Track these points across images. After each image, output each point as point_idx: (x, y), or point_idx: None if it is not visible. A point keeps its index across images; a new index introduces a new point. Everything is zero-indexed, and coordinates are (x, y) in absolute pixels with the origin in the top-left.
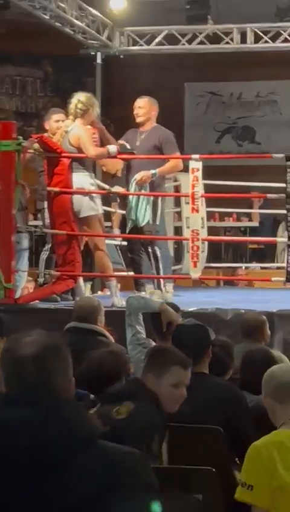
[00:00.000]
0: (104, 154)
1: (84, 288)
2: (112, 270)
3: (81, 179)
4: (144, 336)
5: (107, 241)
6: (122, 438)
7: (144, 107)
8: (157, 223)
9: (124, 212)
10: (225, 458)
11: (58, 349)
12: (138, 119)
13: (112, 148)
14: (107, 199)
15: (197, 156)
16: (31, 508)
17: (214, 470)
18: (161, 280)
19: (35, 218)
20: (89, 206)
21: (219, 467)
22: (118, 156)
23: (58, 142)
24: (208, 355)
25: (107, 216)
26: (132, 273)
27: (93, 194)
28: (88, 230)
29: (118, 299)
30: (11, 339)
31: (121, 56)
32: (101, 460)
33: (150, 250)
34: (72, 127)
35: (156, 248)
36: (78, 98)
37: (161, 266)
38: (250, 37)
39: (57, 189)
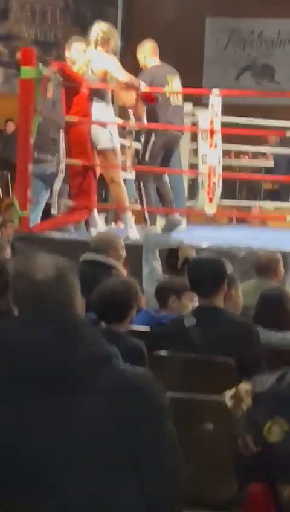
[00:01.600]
0: (135, 83)
1: (99, 219)
2: (128, 203)
3: (99, 110)
4: (160, 273)
5: (125, 176)
6: None
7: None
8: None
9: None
10: None
11: (71, 270)
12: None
13: (144, 84)
14: (122, 133)
15: (217, 91)
16: (51, 424)
17: (224, 401)
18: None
19: None
20: (107, 138)
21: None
22: (144, 92)
23: (81, 70)
24: (224, 288)
25: (122, 150)
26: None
27: (111, 126)
28: (104, 162)
29: (133, 231)
30: (20, 262)
31: None
32: (119, 380)
33: (141, 185)
34: (96, 55)
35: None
36: (100, 27)
37: (149, 201)
38: None
39: (76, 118)
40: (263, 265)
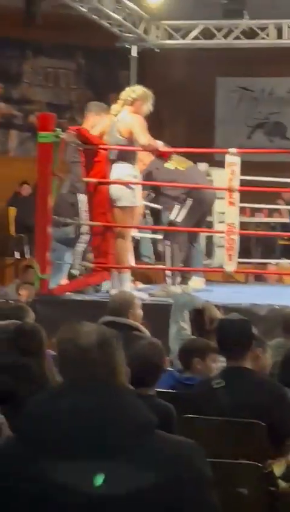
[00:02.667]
0: (155, 146)
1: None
2: (127, 263)
3: (123, 170)
4: (189, 333)
5: (142, 234)
6: None
7: None
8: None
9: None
10: (265, 452)
11: (115, 337)
12: None
13: (161, 143)
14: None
15: (234, 150)
16: (97, 494)
17: (259, 464)
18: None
19: None
20: (128, 197)
21: (259, 461)
22: (161, 150)
23: (105, 128)
24: (251, 349)
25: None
26: (162, 266)
27: (134, 186)
28: (120, 217)
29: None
30: (67, 330)
31: (157, 50)
32: (161, 450)
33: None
34: (122, 115)
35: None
36: (134, 89)
37: (177, 261)
38: (285, 32)
39: (95, 180)
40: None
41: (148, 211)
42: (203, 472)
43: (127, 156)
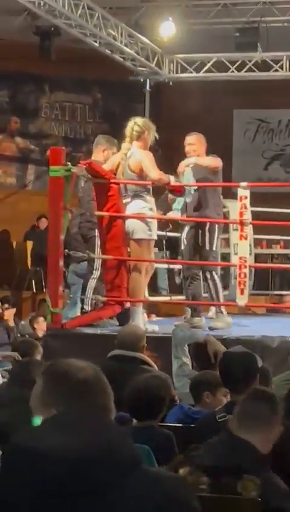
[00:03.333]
0: (165, 180)
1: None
2: (141, 296)
3: (141, 203)
4: (190, 368)
5: (158, 266)
6: None
7: (194, 144)
8: (214, 248)
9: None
10: None
11: (96, 379)
12: (189, 155)
13: (173, 178)
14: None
15: (245, 184)
16: None
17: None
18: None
19: None
20: (144, 229)
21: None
22: (172, 185)
23: (116, 165)
24: (255, 382)
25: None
26: (181, 298)
27: (149, 219)
28: (132, 251)
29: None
30: (61, 363)
31: (170, 83)
32: (147, 486)
33: (208, 275)
34: (132, 151)
35: (214, 273)
36: (135, 121)
37: (220, 291)
38: None
39: (107, 213)
40: None
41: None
42: (189, 507)
43: (141, 191)
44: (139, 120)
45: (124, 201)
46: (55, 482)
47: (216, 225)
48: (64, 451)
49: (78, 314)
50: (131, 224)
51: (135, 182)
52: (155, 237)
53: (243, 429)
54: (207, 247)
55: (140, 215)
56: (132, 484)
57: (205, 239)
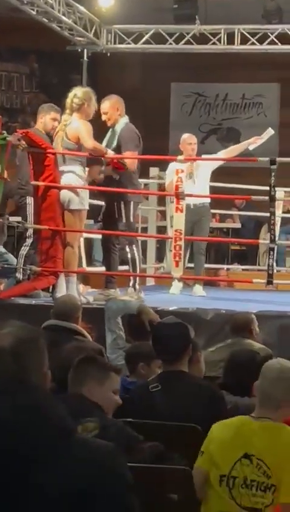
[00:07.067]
0: (101, 150)
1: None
2: (75, 267)
3: (74, 174)
4: (124, 341)
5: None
6: None
7: (107, 112)
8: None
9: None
10: None
11: (34, 342)
12: (108, 124)
13: (110, 151)
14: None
15: (181, 157)
16: (7, 505)
17: (190, 469)
18: (136, 279)
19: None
20: (77, 200)
21: (192, 466)
22: (106, 157)
23: (58, 135)
24: (188, 353)
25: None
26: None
27: (83, 190)
28: (69, 222)
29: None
30: None
31: (108, 54)
32: (80, 455)
33: (127, 249)
34: (70, 121)
35: (134, 247)
36: (75, 93)
37: (137, 265)
38: (237, 38)
39: (42, 183)
40: (238, 326)
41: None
42: (122, 477)
43: (78, 158)
44: (79, 91)
45: (60, 168)
46: None
47: (132, 197)
48: None
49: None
50: (65, 194)
51: (71, 152)
52: (87, 207)
53: None
54: (124, 219)
55: (77, 186)
56: (64, 453)
57: (121, 211)
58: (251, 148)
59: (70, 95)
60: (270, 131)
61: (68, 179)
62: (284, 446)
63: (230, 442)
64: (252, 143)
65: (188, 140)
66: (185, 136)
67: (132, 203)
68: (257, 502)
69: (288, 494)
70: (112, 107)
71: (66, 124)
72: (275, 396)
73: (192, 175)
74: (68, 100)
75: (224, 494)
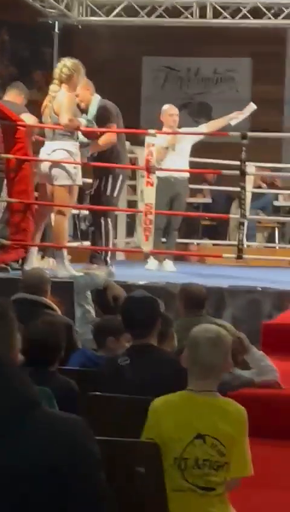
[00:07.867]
0: (74, 126)
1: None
2: (66, 240)
3: (64, 151)
4: (93, 315)
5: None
6: None
7: (78, 94)
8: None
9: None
10: None
11: (3, 313)
12: (82, 106)
13: (84, 121)
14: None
15: (153, 131)
16: None
17: (157, 443)
18: (108, 253)
19: None
20: (65, 175)
21: None
22: (82, 129)
23: (45, 107)
24: (157, 326)
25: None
26: (87, 244)
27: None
28: (55, 197)
29: (63, 270)
30: None
31: (80, 26)
32: (46, 428)
33: (102, 221)
34: (59, 93)
35: (109, 220)
36: (64, 63)
37: (110, 239)
38: (209, 11)
39: (12, 156)
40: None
41: None
42: (89, 450)
43: (66, 135)
44: (68, 62)
45: (51, 145)
46: None
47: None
48: None
49: None
50: (54, 171)
51: (46, 125)
52: (78, 183)
53: None
54: (108, 193)
55: (48, 160)
56: (29, 426)
57: (107, 185)
58: (232, 123)
59: (59, 65)
60: (252, 106)
61: (58, 157)
62: (234, 423)
63: (180, 423)
64: (234, 118)
65: (169, 111)
66: (166, 107)
67: (120, 176)
68: (209, 480)
69: (236, 470)
70: (83, 87)
71: (54, 96)
72: (216, 364)
73: (174, 147)
74: (57, 70)
75: (177, 475)
